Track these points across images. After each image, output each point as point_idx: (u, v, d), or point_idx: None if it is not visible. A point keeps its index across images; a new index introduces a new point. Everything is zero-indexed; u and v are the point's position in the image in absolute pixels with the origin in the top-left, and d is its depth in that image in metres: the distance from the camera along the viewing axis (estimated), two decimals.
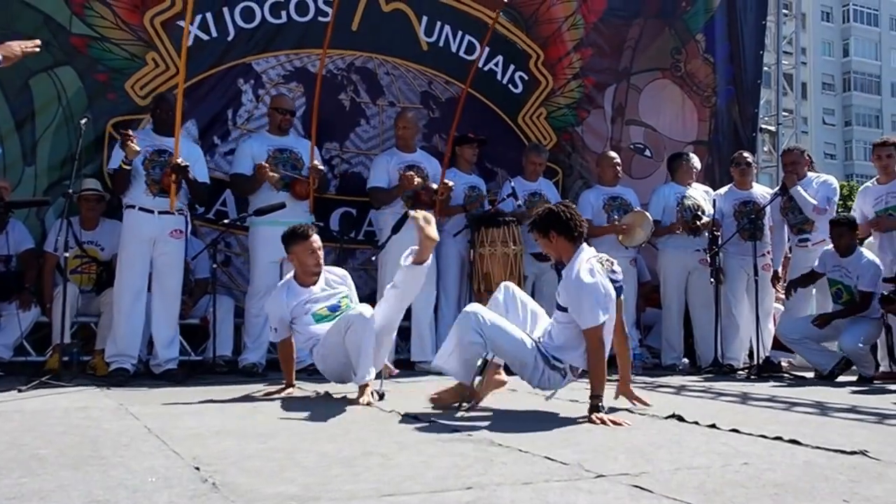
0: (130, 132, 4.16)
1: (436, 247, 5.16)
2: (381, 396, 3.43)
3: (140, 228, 4.28)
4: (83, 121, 4.21)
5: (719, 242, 5.28)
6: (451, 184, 5.12)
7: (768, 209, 5.38)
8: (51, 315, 4.43)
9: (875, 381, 4.70)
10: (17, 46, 3.48)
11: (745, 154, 5.76)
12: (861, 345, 4.69)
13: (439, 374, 3.72)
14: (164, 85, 4.92)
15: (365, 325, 3.33)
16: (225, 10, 5.20)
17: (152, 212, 4.29)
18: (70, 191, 4.08)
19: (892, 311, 4.68)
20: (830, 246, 4.99)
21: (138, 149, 4.14)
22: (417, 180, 4.95)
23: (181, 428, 2.62)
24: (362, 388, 3.34)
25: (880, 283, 4.80)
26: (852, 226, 4.91)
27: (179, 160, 4.21)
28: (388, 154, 5.25)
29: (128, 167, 4.20)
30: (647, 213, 5.48)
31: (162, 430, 2.56)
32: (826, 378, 4.84)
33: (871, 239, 5.21)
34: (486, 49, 5.87)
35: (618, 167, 5.73)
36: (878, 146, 5.24)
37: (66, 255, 4.10)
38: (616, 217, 5.56)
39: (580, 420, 2.85)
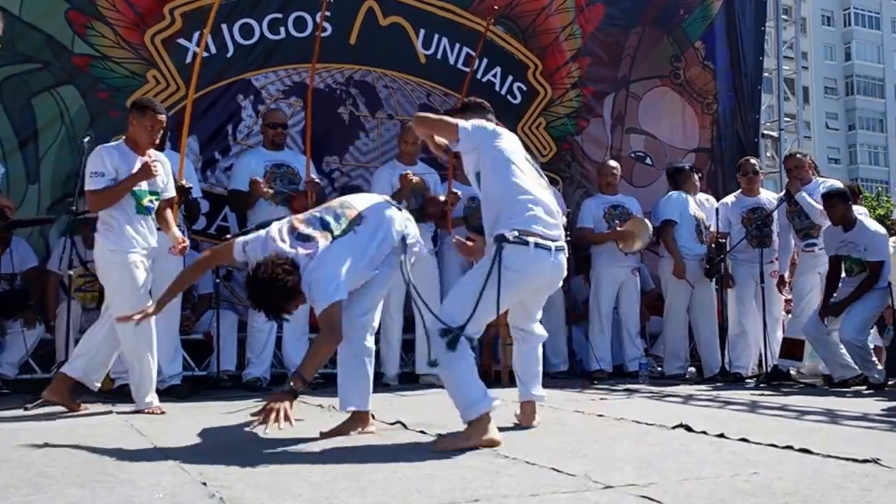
0: None
1: (439, 255, 5.22)
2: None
3: None
4: (86, 139, 4.21)
5: (726, 249, 5.26)
6: (459, 193, 5.12)
7: (775, 214, 5.37)
8: (55, 333, 4.43)
9: (887, 388, 4.63)
10: None
11: (752, 161, 5.73)
12: (860, 334, 4.60)
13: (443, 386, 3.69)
14: (165, 102, 4.93)
15: None
16: (224, 26, 5.22)
17: None
18: (73, 208, 4.08)
19: None
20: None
21: None
22: (416, 178, 4.95)
23: (187, 443, 2.62)
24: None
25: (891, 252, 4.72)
26: (844, 197, 4.82)
27: (183, 182, 4.21)
28: (390, 166, 5.25)
29: None
30: (647, 221, 5.47)
31: (168, 445, 2.55)
32: (836, 386, 4.76)
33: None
34: (485, 60, 5.90)
35: (615, 177, 5.74)
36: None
37: (71, 273, 4.10)
38: (617, 224, 5.56)
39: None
